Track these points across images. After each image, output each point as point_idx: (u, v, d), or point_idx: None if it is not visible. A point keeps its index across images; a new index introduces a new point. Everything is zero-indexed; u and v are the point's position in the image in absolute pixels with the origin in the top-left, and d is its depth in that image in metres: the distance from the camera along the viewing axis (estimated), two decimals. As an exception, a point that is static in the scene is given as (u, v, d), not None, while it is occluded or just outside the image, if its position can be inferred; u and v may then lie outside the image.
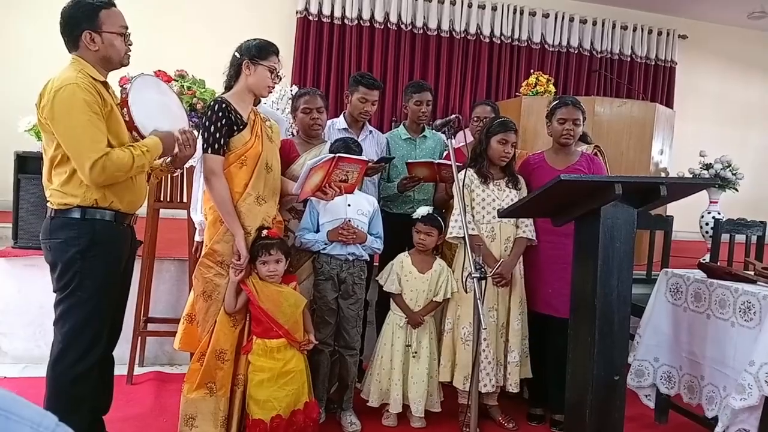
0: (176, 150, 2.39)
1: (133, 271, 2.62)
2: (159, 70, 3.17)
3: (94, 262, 2.21)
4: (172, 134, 2.36)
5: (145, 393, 3.29)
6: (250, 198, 2.58)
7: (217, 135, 2.51)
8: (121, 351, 2.66)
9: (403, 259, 3.13)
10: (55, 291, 2.25)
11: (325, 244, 2.91)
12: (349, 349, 3.02)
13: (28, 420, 0.56)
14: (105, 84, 2.27)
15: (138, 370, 3.49)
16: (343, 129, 3.41)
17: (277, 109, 4.23)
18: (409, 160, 3.38)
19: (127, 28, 2.27)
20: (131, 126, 2.27)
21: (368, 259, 3.11)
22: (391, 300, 3.14)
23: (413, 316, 3.05)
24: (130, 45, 2.31)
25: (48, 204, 2.25)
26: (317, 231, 2.94)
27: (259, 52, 2.58)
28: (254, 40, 2.63)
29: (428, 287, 3.08)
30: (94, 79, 2.19)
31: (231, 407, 2.62)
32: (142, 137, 2.29)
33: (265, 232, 2.59)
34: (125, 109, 2.26)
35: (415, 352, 3.06)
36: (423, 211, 3.10)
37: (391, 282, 3.08)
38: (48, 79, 2.15)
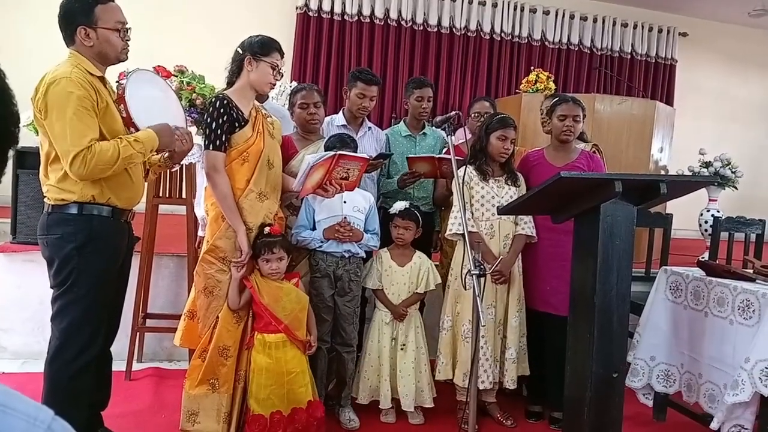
0: (174, 144, 2.38)
1: (131, 267, 2.62)
2: (158, 66, 3.16)
3: (91, 258, 2.20)
4: (170, 126, 2.34)
5: (144, 389, 3.28)
6: (251, 194, 2.58)
7: (219, 131, 2.51)
8: (120, 347, 2.66)
9: (382, 254, 3.14)
10: (52, 287, 2.25)
11: (321, 241, 2.90)
12: (346, 346, 3.02)
13: (24, 414, 0.55)
14: (102, 79, 2.25)
15: (136, 366, 3.49)
16: (342, 125, 3.40)
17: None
18: (410, 155, 3.38)
19: (124, 23, 2.25)
20: (128, 122, 2.26)
21: (364, 257, 3.10)
22: (374, 296, 3.15)
23: (395, 309, 3.06)
24: (128, 40, 2.29)
25: (45, 199, 2.24)
26: (313, 228, 2.94)
27: (261, 48, 2.58)
28: (257, 36, 2.63)
29: (409, 280, 3.09)
30: (91, 74, 2.18)
31: (232, 403, 2.63)
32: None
33: (267, 229, 2.59)
34: (122, 105, 2.25)
35: (403, 345, 3.07)
36: (400, 205, 3.09)
37: (370, 278, 3.09)
38: (44, 73, 2.14)
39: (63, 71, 2.11)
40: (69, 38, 2.21)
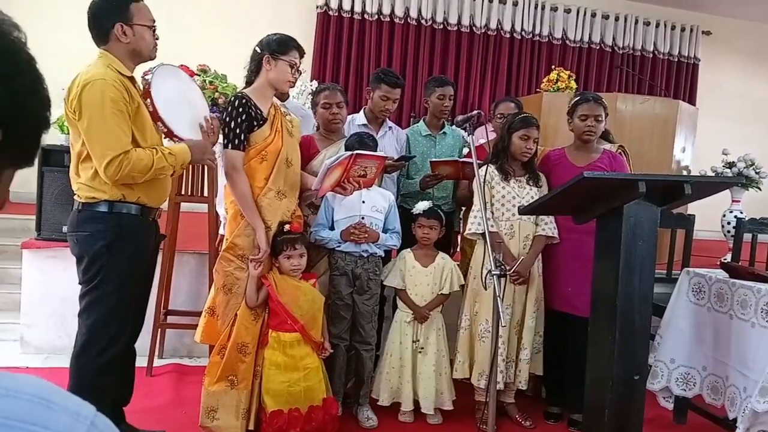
0: (205, 161, 2.42)
1: (156, 265, 2.65)
2: (181, 65, 3.18)
3: (120, 256, 2.24)
4: (204, 144, 2.39)
5: (165, 385, 3.32)
6: (270, 192, 2.59)
7: (237, 131, 2.53)
8: (141, 343, 2.69)
9: (406, 255, 3.13)
10: (80, 283, 2.28)
11: (339, 242, 2.91)
12: (364, 345, 3.02)
13: (68, 410, 0.57)
14: (132, 79, 2.29)
15: (157, 362, 3.52)
16: (363, 125, 3.40)
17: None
18: (433, 159, 3.37)
19: (155, 21, 2.30)
20: (155, 116, 2.29)
21: (383, 255, 3.10)
22: (397, 297, 3.14)
23: (419, 311, 3.05)
24: (158, 39, 2.33)
25: (75, 197, 2.28)
26: (332, 227, 2.95)
27: (279, 46, 2.58)
28: (275, 34, 2.63)
29: (432, 281, 3.08)
30: (122, 74, 2.21)
31: (250, 399, 2.65)
32: (167, 127, 2.31)
33: (287, 227, 2.60)
34: (148, 99, 2.27)
35: (422, 348, 3.07)
36: (424, 205, 3.09)
37: (393, 277, 3.09)
38: (77, 73, 2.17)
39: (96, 72, 2.14)
40: (102, 37, 2.24)
